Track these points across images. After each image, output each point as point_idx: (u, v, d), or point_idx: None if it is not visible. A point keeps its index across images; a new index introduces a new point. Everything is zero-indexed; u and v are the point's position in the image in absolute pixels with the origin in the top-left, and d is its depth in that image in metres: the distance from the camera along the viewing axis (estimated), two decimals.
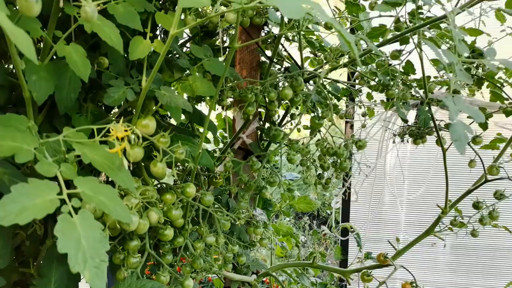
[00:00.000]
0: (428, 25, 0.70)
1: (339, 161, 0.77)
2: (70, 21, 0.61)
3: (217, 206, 0.82)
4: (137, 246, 0.68)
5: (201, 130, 1.02)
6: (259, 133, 1.08)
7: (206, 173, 0.89)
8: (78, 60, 0.56)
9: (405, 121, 0.84)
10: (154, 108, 0.72)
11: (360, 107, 1.19)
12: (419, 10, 0.82)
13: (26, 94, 0.53)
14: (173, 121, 0.87)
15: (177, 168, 0.89)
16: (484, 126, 0.90)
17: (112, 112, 0.79)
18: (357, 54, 0.47)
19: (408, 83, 0.96)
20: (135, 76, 0.71)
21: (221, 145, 1.22)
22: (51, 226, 0.71)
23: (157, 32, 0.91)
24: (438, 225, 0.96)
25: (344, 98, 1.22)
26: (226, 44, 1.08)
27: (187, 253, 0.80)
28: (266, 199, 1.00)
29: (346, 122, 1.31)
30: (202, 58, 0.78)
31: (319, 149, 0.87)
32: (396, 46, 0.95)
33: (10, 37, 0.35)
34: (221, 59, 1.03)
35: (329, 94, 0.88)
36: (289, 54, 0.95)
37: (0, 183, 0.48)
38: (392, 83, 0.84)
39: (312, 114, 0.79)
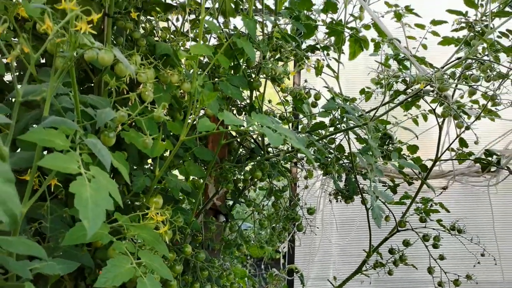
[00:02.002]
0: (351, 128, 1.02)
1: (296, 223, 1.05)
2: None
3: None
4: None
5: None
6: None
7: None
8: (122, 163, 0.79)
9: (340, 191, 1.15)
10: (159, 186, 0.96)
11: (302, 170, 1.49)
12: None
13: None
14: None
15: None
16: (394, 191, 1.24)
17: None
18: (314, 162, 0.76)
19: (340, 156, 1.28)
20: (146, 163, 0.95)
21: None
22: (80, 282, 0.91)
23: None
24: (364, 266, 1.27)
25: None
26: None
27: None
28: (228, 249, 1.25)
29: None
30: (192, 147, 1.03)
31: (276, 211, 1.15)
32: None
33: None
34: None
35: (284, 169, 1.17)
36: (252, 137, 1.23)
37: (82, 256, 0.70)
38: (329, 161, 1.15)
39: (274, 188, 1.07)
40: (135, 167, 0.95)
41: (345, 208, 1.43)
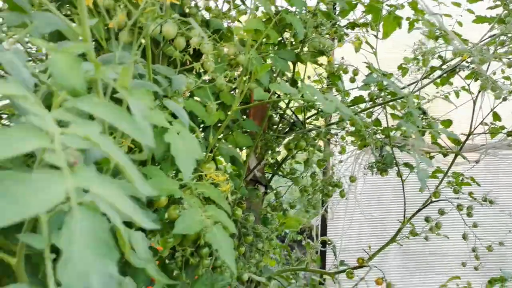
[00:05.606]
0: (391, 101, 1.08)
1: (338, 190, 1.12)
2: None
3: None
4: (207, 252, 0.97)
5: None
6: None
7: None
8: None
9: (379, 161, 1.21)
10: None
11: (336, 146, 1.55)
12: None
13: None
14: None
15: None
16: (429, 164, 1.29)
17: None
18: (362, 126, 0.82)
19: (375, 131, 1.34)
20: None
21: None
22: None
23: None
24: (398, 235, 1.33)
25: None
26: None
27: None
28: (266, 217, 1.33)
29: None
30: (238, 119, 1.10)
31: (314, 181, 1.23)
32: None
33: None
34: None
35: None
36: (292, 111, 1.29)
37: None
38: (367, 135, 1.21)
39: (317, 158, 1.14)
40: None
41: (375, 182, 1.49)
